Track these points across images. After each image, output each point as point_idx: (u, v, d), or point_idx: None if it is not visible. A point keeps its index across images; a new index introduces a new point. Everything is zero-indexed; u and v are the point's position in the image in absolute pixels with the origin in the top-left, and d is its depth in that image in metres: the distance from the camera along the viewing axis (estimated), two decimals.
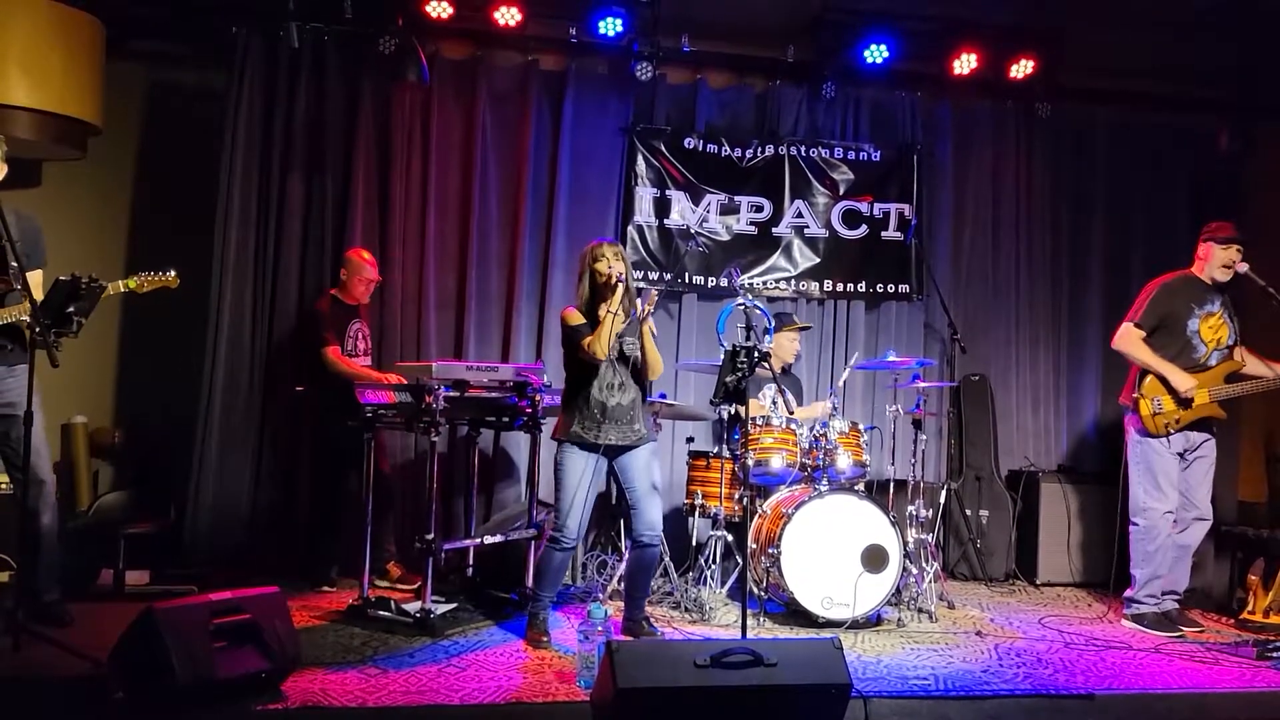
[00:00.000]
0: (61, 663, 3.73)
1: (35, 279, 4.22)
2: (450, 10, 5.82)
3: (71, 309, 4.06)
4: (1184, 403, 5.01)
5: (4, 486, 4.82)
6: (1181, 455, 5.10)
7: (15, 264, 4.04)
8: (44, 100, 5.38)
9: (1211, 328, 5.10)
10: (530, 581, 5.13)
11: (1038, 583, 6.23)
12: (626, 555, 5.24)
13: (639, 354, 4.40)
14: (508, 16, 5.86)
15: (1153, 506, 5.07)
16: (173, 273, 4.45)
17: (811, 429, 5.29)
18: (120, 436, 5.96)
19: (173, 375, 5.84)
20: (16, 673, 3.65)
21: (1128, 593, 5.20)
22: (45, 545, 4.34)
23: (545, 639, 4.40)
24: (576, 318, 4.39)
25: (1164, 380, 5.04)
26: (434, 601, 4.65)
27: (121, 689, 3.42)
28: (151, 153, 6.15)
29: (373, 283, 5.55)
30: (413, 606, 4.65)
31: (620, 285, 4.28)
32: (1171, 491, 5.06)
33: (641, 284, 6.22)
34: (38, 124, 5.42)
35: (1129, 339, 5.17)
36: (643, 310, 4.33)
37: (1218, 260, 5.13)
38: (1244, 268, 5.04)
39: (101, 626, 3.88)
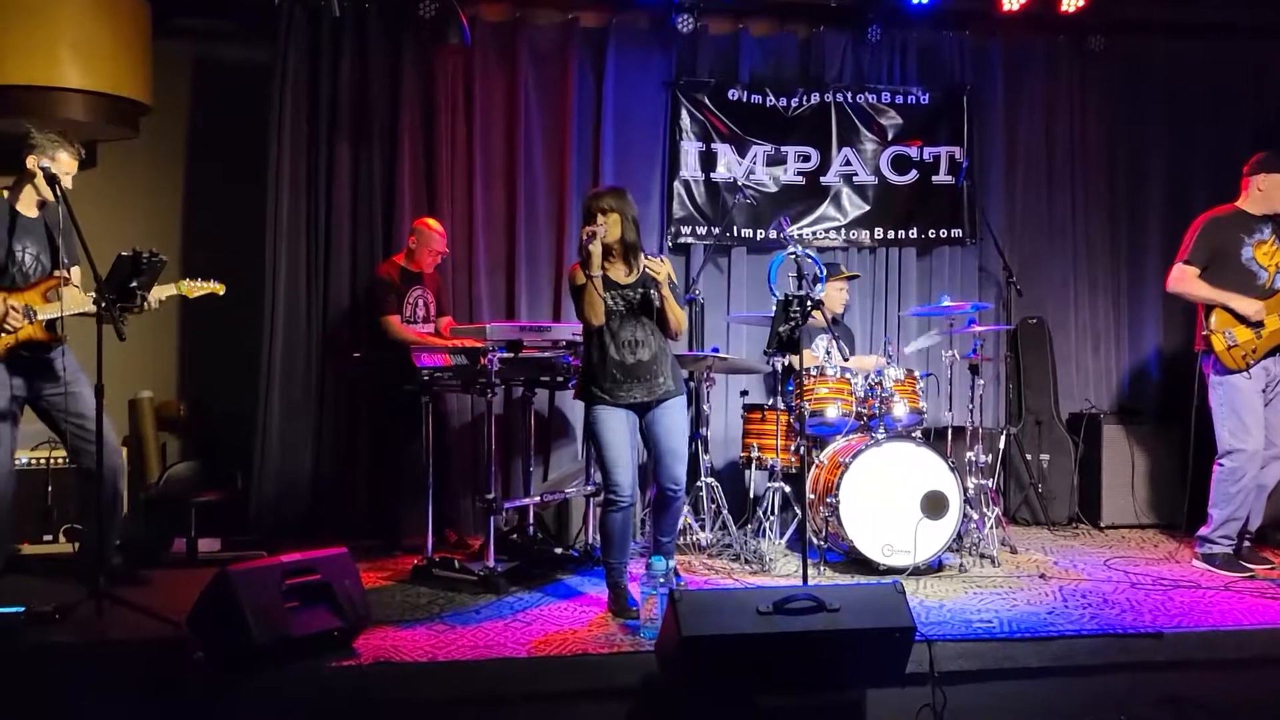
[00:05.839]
0: (142, 626, 3.85)
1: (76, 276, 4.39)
2: None
3: (135, 284, 4.15)
4: (1255, 326, 4.90)
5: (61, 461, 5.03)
6: (1263, 391, 4.98)
7: (66, 259, 4.23)
8: (95, 81, 5.47)
9: (1266, 253, 4.98)
10: (590, 541, 5.18)
11: (1102, 525, 6.15)
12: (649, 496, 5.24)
13: (659, 303, 4.10)
14: None
15: (1240, 447, 4.93)
16: (214, 282, 4.66)
17: (867, 378, 5.26)
18: (185, 409, 6.10)
19: (233, 347, 5.93)
20: (101, 636, 3.78)
21: (1202, 531, 5.10)
22: (115, 511, 4.55)
23: (633, 610, 4.10)
24: (578, 277, 4.11)
25: (1229, 310, 4.93)
26: (497, 560, 4.72)
27: (200, 649, 3.53)
28: (202, 128, 6.23)
29: (440, 254, 5.59)
30: (476, 565, 4.72)
31: (592, 247, 3.98)
32: (1259, 429, 4.93)
33: (690, 239, 6.21)
34: (91, 105, 5.51)
35: (1183, 278, 5.07)
36: (653, 269, 4.02)
37: (1277, 191, 4.97)
38: None
39: (178, 591, 3.99)
